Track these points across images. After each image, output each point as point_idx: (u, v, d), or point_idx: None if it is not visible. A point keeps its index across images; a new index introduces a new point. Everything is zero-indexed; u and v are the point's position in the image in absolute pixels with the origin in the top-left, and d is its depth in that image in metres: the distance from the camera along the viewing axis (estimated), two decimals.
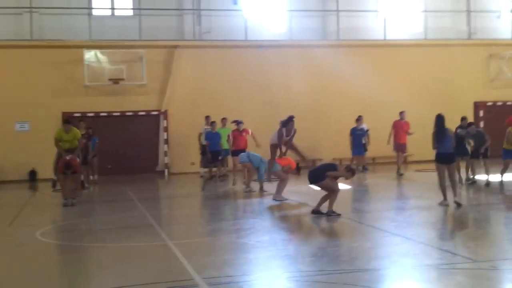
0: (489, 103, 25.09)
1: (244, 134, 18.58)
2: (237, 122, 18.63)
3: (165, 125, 22.60)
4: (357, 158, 20.83)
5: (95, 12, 22.82)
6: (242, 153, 16.31)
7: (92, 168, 19.21)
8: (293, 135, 14.39)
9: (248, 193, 15.51)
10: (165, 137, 22.58)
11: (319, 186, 11.62)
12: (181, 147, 22.71)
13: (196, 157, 22.78)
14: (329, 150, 23.04)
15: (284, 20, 24.33)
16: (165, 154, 22.57)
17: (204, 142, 20.25)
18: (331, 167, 11.70)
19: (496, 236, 9.57)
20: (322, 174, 11.49)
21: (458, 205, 11.90)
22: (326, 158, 21.10)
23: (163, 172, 22.42)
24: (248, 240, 9.54)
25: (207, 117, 20.57)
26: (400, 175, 18.96)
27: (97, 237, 10.51)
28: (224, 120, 20.01)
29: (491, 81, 25.26)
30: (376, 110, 22.77)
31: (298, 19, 24.06)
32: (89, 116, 21.81)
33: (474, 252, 8.17)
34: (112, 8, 23.09)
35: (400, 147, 19.70)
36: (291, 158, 15.02)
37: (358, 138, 20.58)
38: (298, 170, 14.72)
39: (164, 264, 8.09)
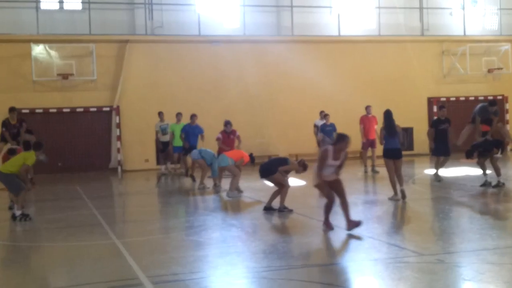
0: (443, 99, 25.43)
1: (232, 136, 16.64)
2: (226, 123, 16.70)
3: (117, 121, 22.20)
4: None
5: (43, 6, 22.19)
6: (194, 150, 16.11)
7: None
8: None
9: (202, 190, 15.32)
10: (118, 134, 22.19)
11: (270, 180, 11.53)
12: (135, 144, 22.40)
13: (150, 153, 22.55)
14: (285, 146, 23.05)
15: (238, 15, 24.15)
16: (118, 151, 22.19)
17: (162, 138, 19.83)
18: (282, 161, 11.61)
19: (442, 230, 9.61)
20: (273, 168, 11.39)
21: (403, 195, 12.01)
22: (282, 154, 20.90)
23: (116, 169, 22.04)
24: (198, 237, 9.38)
25: (160, 113, 20.18)
26: (375, 172, 17.92)
27: (42, 236, 10.21)
28: (179, 115, 19.24)
29: (444, 76, 25.64)
30: (330, 105, 22.76)
31: (252, 14, 23.93)
32: (38, 113, 21.34)
33: (420, 246, 8.18)
34: (61, 1, 22.50)
35: (371, 143, 18.58)
36: (243, 151, 14.90)
37: (329, 134, 19.49)
38: (253, 160, 14.56)
39: (110, 263, 7.86)
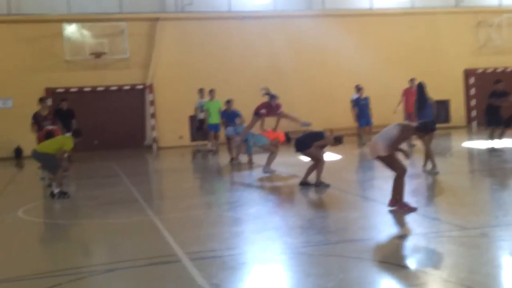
0: (479, 71, 24.89)
1: (277, 110, 14.40)
2: (271, 96, 14.09)
3: (151, 99, 22.28)
4: (366, 129, 19.83)
5: None
6: (229, 127, 16.04)
7: None
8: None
9: (237, 166, 15.30)
10: (152, 111, 22.27)
11: (305, 154, 11.40)
12: (169, 121, 22.48)
13: (184, 130, 22.61)
14: (318, 121, 22.66)
15: None
16: (153, 128, 22.29)
17: (200, 116, 19.40)
18: (318, 135, 11.47)
19: (485, 203, 9.41)
20: (308, 142, 11.27)
21: (432, 173, 11.75)
22: (314, 129, 20.62)
23: (151, 146, 22.17)
24: (234, 213, 9.35)
25: (200, 90, 19.78)
26: (412, 146, 16.98)
27: (81, 213, 10.29)
28: (212, 92, 18.82)
29: (480, 48, 25.05)
30: (364, 80, 22.36)
31: None
32: (72, 92, 21.52)
33: (463, 219, 8.01)
34: None
35: (411, 117, 17.56)
36: (279, 131, 14.78)
37: (364, 108, 19.54)
38: (288, 140, 14.39)
39: (148, 240, 7.88)
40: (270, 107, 14.09)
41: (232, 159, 15.88)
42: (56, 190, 11.38)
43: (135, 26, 21.87)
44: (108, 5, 21.93)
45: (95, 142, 21.63)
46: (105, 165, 17.57)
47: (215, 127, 18.60)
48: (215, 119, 18.40)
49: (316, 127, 22.38)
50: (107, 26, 21.47)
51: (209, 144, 19.37)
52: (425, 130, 8.97)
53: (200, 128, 19.66)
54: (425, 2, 24.81)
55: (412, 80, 18.19)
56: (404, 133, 8.77)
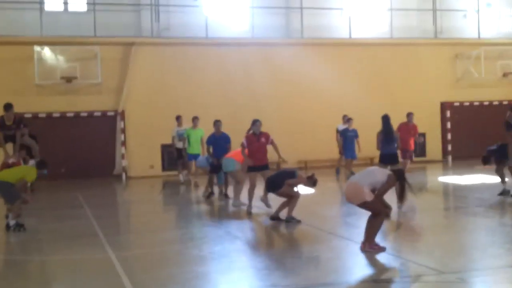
0: (456, 104, 24.71)
1: (262, 140, 12.15)
2: (254, 121, 12.27)
3: (122, 126, 21.64)
4: (349, 161, 19.09)
5: (47, 7, 21.65)
6: (201, 157, 15.48)
7: None
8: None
9: (208, 198, 14.71)
10: (122, 139, 21.63)
11: (277, 194, 10.91)
12: (140, 149, 21.78)
13: (156, 159, 22.00)
14: (294, 152, 22.29)
15: (246, 17, 23.57)
16: (123, 157, 21.61)
17: (177, 145, 18.10)
18: (289, 174, 10.96)
19: (462, 244, 8.95)
20: (280, 181, 10.77)
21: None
22: (291, 160, 20.05)
23: (120, 176, 21.46)
24: (199, 251, 8.79)
25: (178, 117, 18.51)
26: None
27: (35, 249, 9.63)
28: (195, 119, 17.29)
29: (457, 80, 24.90)
30: (341, 109, 22.07)
31: (260, 16, 23.29)
32: (41, 117, 20.82)
33: (439, 262, 7.53)
34: (65, 3, 21.98)
35: (408, 154, 15.38)
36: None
37: (351, 140, 18.83)
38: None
39: (102, 281, 7.28)
40: (253, 137, 12.16)
41: (207, 192, 15.12)
42: (12, 222, 10.72)
43: (108, 50, 21.29)
44: (81, 28, 21.37)
45: (62, 170, 20.82)
46: (70, 195, 16.79)
47: (196, 157, 16.79)
48: (196, 149, 16.92)
49: (293, 157, 22.21)
50: (80, 49, 20.89)
51: (181, 176, 18.52)
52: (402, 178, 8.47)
53: (179, 157, 18.32)
54: (404, 33, 24.67)
55: (409, 115, 16.01)
56: (391, 183, 8.32)
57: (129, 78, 21.64)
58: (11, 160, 12.90)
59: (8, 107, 13.00)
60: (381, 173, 8.36)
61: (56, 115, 21.06)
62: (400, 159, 13.78)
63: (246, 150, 12.00)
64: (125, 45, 21.69)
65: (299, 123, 22.80)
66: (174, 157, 19.15)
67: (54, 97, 20.91)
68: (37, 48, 20.19)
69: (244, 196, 13.08)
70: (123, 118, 21.63)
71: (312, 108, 23.09)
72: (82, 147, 21.37)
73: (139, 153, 21.73)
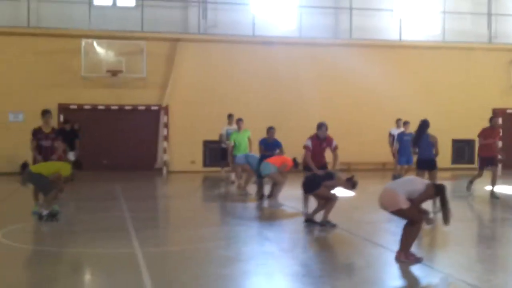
0: (509, 111, 23.77)
1: (324, 145, 11.50)
2: (320, 125, 11.46)
3: (165, 120, 21.63)
4: (405, 168, 17.63)
5: (96, 2, 21.82)
6: (239, 155, 15.21)
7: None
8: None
9: (244, 197, 14.47)
10: (165, 133, 21.61)
11: (314, 196, 10.54)
12: (182, 145, 21.76)
13: (197, 155, 21.91)
14: (342, 153, 21.72)
15: (294, 16, 23.21)
16: (164, 151, 21.59)
17: (224, 144, 17.38)
18: (328, 175, 10.57)
19: (505, 258, 8.42)
20: (318, 182, 10.39)
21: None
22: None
23: (161, 170, 21.44)
24: (227, 251, 8.50)
25: (230, 116, 17.87)
26: (495, 197, 14.22)
27: (61, 240, 9.54)
28: (240, 122, 16.34)
29: (511, 87, 23.97)
30: (389, 113, 21.50)
31: (308, 16, 22.93)
32: (86, 109, 21.01)
33: (480, 277, 7.05)
34: None
35: (490, 160, 14.59)
36: (285, 156, 13.84)
37: (407, 145, 17.08)
38: (296, 165, 13.42)
39: (121, 277, 7.08)
40: (316, 140, 11.38)
41: (240, 188, 15.06)
42: (44, 212, 10.69)
43: (155, 45, 21.30)
44: (129, 23, 21.43)
45: (104, 162, 21.02)
46: (108, 186, 16.86)
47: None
48: (243, 150, 15.81)
49: (341, 159, 21.59)
50: (126, 44, 20.96)
51: (232, 176, 17.43)
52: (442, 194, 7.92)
53: (223, 157, 17.68)
54: (457, 37, 23.88)
55: (493, 119, 14.85)
56: (429, 193, 7.84)
57: (174, 73, 21.60)
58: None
59: (45, 112, 11.99)
60: (419, 183, 7.92)
61: (101, 107, 21.18)
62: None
63: (310, 154, 11.25)
64: (171, 41, 21.69)
65: (345, 124, 22.22)
66: (218, 154, 18.95)
67: (100, 90, 21.06)
68: (84, 41, 20.30)
69: (281, 197, 12.85)
70: (166, 113, 21.61)
71: (359, 109, 22.64)
72: (125, 140, 21.54)
73: (181, 148, 21.70)
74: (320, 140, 11.37)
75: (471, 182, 15.02)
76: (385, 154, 20.78)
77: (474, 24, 24.46)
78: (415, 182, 7.96)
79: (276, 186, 13.02)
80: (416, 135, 12.47)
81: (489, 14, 24.23)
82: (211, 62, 22.04)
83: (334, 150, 11.56)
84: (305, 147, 11.36)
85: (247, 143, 16.08)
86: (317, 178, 10.53)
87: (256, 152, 14.80)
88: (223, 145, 17.61)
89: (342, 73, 22.60)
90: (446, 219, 7.74)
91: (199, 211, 13.41)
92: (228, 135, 17.15)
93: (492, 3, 24.28)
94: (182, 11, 22.50)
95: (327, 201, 10.38)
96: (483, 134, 14.66)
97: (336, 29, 23.65)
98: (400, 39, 23.46)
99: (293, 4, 23.15)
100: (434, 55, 23.50)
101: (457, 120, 22.93)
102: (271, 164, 13.17)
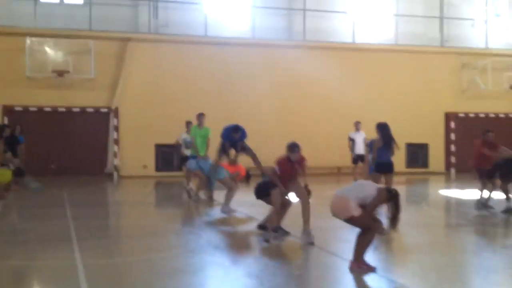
0: (461, 114, 23.97)
1: (296, 167, 9.81)
2: (292, 146, 9.73)
3: (115, 123, 20.99)
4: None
5: None
6: (191, 159, 14.72)
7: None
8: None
9: (196, 203, 14.05)
10: (115, 137, 20.97)
11: (266, 201, 10.14)
12: (133, 148, 21.17)
13: (149, 159, 21.37)
14: None
15: (247, 17, 22.89)
16: (115, 155, 20.94)
17: (186, 152, 15.92)
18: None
19: (461, 267, 8.23)
20: (271, 188, 9.99)
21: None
22: None
23: (112, 174, 20.79)
24: (175, 262, 8.08)
25: (188, 123, 16.42)
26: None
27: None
28: (201, 117, 14.81)
29: (463, 91, 24.19)
30: (343, 115, 21.41)
31: (262, 16, 22.66)
32: (31, 111, 20.21)
33: (435, 287, 6.82)
34: None
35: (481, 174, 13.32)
36: (241, 164, 13.57)
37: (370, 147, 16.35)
38: (247, 178, 13.24)
39: None
40: (287, 162, 9.73)
41: (188, 193, 14.62)
42: None
43: (103, 45, 20.67)
44: (76, 21, 20.73)
45: (52, 167, 20.28)
46: (55, 192, 16.15)
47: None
48: (202, 150, 14.31)
49: None
50: (74, 43, 20.27)
51: (189, 184, 15.29)
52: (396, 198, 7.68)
53: (183, 161, 16.09)
54: (409, 40, 23.98)
55: (486, 133, 13.19)
56: (382, 198, 7.57)
57: (124, 74, 21.01)
58: None
59: None
60: (370, 187, 7.65)
61: (47, 109, 20.42)
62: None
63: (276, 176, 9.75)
64: (121, 40, 21.13)
65: (298, 126, 22.07)
66: (176, 161, 18.29)
67: (46, 91, 20.29)
68: (29, 39, 19.53)
69: (232, 203, 12.47)
70: (116, 115, 20.98)
71: (313, 112, 22.52)
72: (74, 144, 20.86)
73: (132, 151, 21.13)
74: (292, 163, 9.79)
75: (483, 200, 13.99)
76: (340, 158, 20.68)
77: (426, 28, 24.61)
78: (367, 186, 7.69)
79: (228, 191, 12.64)
80: (386, 138, 11.90)
81: (441, 18, 24.39)
82: (162, 62, 21.55)
83: (303, 168, 10.13)
84: (272, 173, 9.82)
85: (205, 142, 14.48)
86: (270, 183, 10.15)
87: (214, 152, 13.61)
88: (186, 153, 15.83)
89: (296, 75, 22.45)
90: (394, 225, 7.61)
91: (148, 218, 12.90)
92: (187, 143, 15.93)
93: (444, 7, 24.44)
94: (132, 9, 21.93)
95: (282, 207, 10.01)
96: (486, 145, 13.62)
97: (289, 31, 23.43)
98: (353, 42, 23.40)
99: (246, 4, 22.82)
100: (387, 58, 23.54)
101: (410, 123, 22.97)
102: (224, 169, 12.86)
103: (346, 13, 23.71)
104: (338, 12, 23.61)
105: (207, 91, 21.69)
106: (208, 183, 13.90)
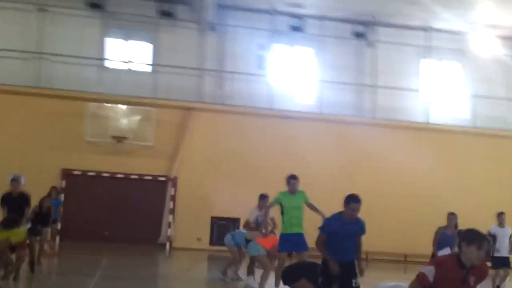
0: None
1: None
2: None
3: (172, 193, 20.49)
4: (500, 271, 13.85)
5: (109, 65, 21.27)
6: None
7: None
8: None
9: (235, 281, 12.93)
10: (171, 207, 20.42)
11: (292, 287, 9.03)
12: (188, 219, 20.45)
13: (204, 231, 20.61)
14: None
15: (313, 90, 22.24)
16: (169, 225, 20.33)
17: None
18: (310, 267, 9.04)
19: None
20: (298, 273, 8.91)
21: None
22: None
23: (164, 245, 20.11)
24: None
25: (263, 197, 12.51)
26: None
27: None
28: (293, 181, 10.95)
29: None
30: (416, 198, 20.07)
31: (329, 91, 21.93)
32: (89, 175, 20.06)
33: None
34: (126, 62, 21.42)
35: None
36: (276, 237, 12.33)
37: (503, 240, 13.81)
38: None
39: None
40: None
41: (234, 273, 13.21)
42: None
43: (165, 113, 20.45)
44: (141, 89, 20.71)
45: (106, 233, 19.91)
46: (95, 260, 15.48)
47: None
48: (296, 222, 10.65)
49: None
50: (135, 110, 20.19)
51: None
52: None
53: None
54: (489, 123, 22.43)
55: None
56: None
57: (185, 143, 20.61)
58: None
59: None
60: None
61: (105, 174, 20.21)
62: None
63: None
64: (184, 109, 20.85)
65: (368, 208, 20.55)
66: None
67: (105, 157, 20.14)
68: (91, 104, 19.64)
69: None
70: (174, 185, 20.50)
71: (382, 192, 20.94)
72: (129, 211, 20.44)
73: (187, 223, 20.43)
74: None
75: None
76: (406, 244, 19.19)
77: (507, 111, 23.01)
78: None
79: (263, 273, 11.51)
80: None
81: None
82: (225, 133, 21.05)
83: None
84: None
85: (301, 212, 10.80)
86: (298, 268, 9.04)
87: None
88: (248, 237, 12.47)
89: (366, 152, 21.26)
90: None
91: None
92: (258, 224, 12.41)
93: None
94: (197, 79, 21.69)
95: None
96: None
97: (358, 107, 22.47)
98: (427, 121, 22.20)
99: (313, 78, 22.22)
100: (463, 140, 22.07)
101: (487, 214, 21.10)
102: (259, 245, 11.68)
103: (418, 91, 22.60)
104: (410, 90, 22.50)
105: (270, 165, 20.75)
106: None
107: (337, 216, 8.23)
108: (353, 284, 8.11)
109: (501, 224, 13.79)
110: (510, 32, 22.55)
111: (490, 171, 21.91)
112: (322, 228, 8.20)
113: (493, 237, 13.51)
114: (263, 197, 12.50)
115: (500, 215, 14.05)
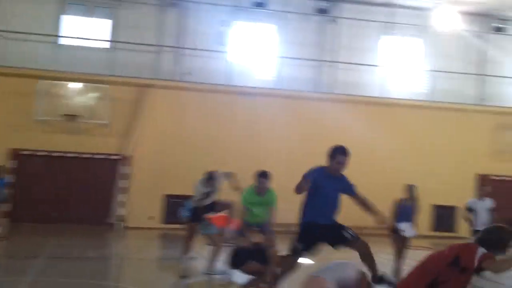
0: (495, 177, 22.12)
1: None
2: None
3: (125, 171, 20.08)
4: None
5: (65, 42, 20.64)
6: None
7: None
8: None
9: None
10: (123, 185, 20.02)
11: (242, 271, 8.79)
12: (142, 198, 20.07)
13: (156, 210, 20.28)
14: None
15: (274, 67, 22.01)
16: (122, 204, 19.96)
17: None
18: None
19: None
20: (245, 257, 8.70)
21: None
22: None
23: (115, 225, 19.75)
24: None
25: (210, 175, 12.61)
26: None
27: None
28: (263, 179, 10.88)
29: (499, 153, 22.45)
30: (368, 169, 20.08)
31: (289, 67, 21.73)
32: (39, 155, 19.54)
33: None
34: (82, 38, 20.76)
35: None
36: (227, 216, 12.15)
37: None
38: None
39: None
40: None
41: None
42: None
43: (121, 90, 19.89)
44: (96, 66, 20.16)
45: (53, 214, 19.43)
46: (40, 242, 15.05)
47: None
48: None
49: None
50: (90, 87, 19.67)
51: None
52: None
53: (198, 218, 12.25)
54: (443, 97, 22.56)
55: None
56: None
57: (141, 121, 20.20)
58: None
59: None
60: (351, 269, 6.39)
61: (55, 154, 19.71)
62: None
63: None
64: (140, 86, 20.33)
65: None
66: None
67: (55, 135, 19.64)
68: (41, 81, 19.07)
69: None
70: (129, 163, 20.12)
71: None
72: (80, 191, 19.95)
73: (141, 202, 20.08)
74: None
75: None
76: (362, 216, 19.17)
77: (461, 85, 23.14)
78: (348, 267, 6.44)
79: (214, 249, 11.41)
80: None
81: (478, 75, 22.97)
82: (183, 111, 20.67)
83: None
84: None
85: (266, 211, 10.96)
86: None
87: None
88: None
89: (324, 128, 21.16)
90: None
91: (123, 279, 11.71)
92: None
93: (481, 65, 23.02)
94: (156, 56, 21.19)
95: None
96: None
97: (317, 83, 22.31)
98: (383, 96, 22.21)
99: (274, 54, 21.97)
100: (419, 114, 22.18)
101: (438, 184, 21.36)
102: (211, 224, 11.69)
103: (376, 66, 22.54)
104: (368, 65, 22.37)
105: (230, 141, 20.62)
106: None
107: (319, 168, 7.56)
108: (348, 236, 7.47)
109: (481, 197, 13.34)
110: (472, 7, 22.56)
111: (444, 143, 22.11)
112: (305, 175, 7.30)
113: (473, 211, 13.26)
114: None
115: (481, 188, 13.93)
